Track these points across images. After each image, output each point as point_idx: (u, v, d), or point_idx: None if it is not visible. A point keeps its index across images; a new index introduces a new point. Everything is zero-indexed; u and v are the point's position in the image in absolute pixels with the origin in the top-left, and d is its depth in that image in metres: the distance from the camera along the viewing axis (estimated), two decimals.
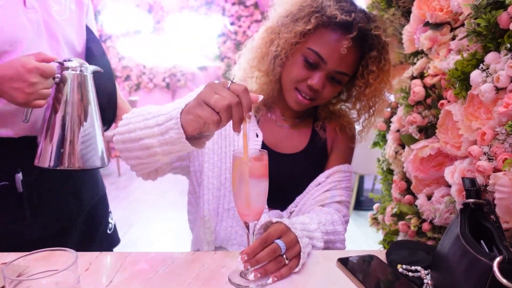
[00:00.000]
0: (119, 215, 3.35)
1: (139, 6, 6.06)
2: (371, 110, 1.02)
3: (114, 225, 1.30)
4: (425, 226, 0.94)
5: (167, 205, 3.86)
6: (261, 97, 0.68)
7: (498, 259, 0.45)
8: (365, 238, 3.03)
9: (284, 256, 0.70)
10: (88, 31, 1.09)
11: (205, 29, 6.04)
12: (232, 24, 6.04)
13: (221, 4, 5.99)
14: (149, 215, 3.61)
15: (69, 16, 1.01)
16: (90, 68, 0.94)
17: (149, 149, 0.77)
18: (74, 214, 1.11)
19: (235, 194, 0.72)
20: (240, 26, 6.01)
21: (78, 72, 0.92)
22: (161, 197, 4.11)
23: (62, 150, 0.91)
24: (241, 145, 0.98)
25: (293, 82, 0.94)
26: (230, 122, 0.67)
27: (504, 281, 0.43)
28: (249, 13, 5.98)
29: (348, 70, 0.92)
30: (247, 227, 0.72)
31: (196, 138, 0.78)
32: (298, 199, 1.00)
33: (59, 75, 0.90)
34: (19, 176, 0.97)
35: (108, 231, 1.24)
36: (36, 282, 0.50)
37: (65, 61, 0.91)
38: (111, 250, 1.30)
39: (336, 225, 0.91)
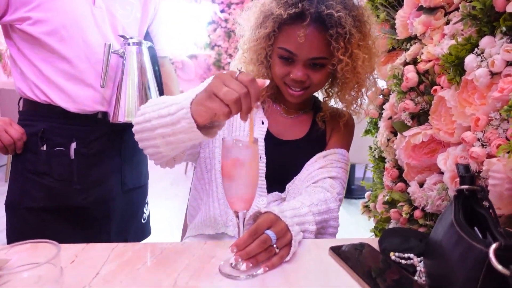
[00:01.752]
0: None
1: None
2: (356, 87, 1.04)
3: (148, 216, 1.44)
4: (417, 213, 0.93)
5: (158, 194, 3.84)
6: (267, 81, 0.70)
7: (494, 245, 0.44)
8: (357, 226, 3.06)
9: (275, 246, 0.69)
10: (148, 37, 1.35)
11: (194, 17, 5.94)
12: (222, 11, 5.94)
13: None
14: None
15: (132, 21, 1.25)
16: (146, 44, 1.23)
17: (164, 138, 0.80)
18: (115, 192, 1.27)
19: (224, 184, 0.70)
20: (230, 14, 5.91)
21: (137, 46, 1.20)
22: (150, 186, 4.07)
23: (129, 107, 1.17)
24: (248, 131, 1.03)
25: (279, 79, 0.99)
26: None
27: (500, 267, 0.42)
28: (239, 0, 5.89)
29: (322, 53, 0.94)
30: (237, 216, 0.70)
31: (207, 127, 0.79)
32: (295, 177, 1.03)
33: (123, 50, 1.18)
34: (74, 145, 1.17)
35: (142, 221, 1.38)
36: (16, 276, 0.48)
37: (128, 38, 1.19)
38: (142, 240, 1.44)
39: (330, 203, 0.93)
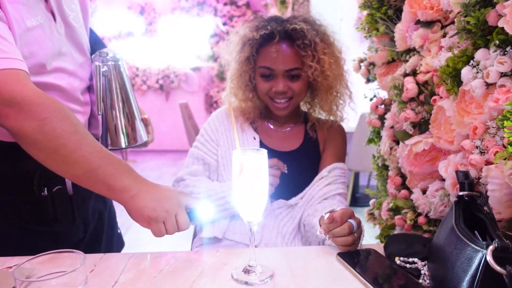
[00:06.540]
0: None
1: (130, 8, 6.04)
2: (329, 91, 1.14)
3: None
4: (421, 219, 0.96)
5: None
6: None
7: (491, 247, 0.47)
8: None
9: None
10: (91, 32, 1.12)
11: (197, 30, 6.03)
12: (224, 24, 6.04)
13: (213, 4, 5.99)
14: None
15: (82, 22, 1.02)
16: (120, 55, 1.05)
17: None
18: (103, 214, 1.17)
19: (236, 193, 0.73)
20: (232, 26, 6.00)
21: (114, 62, 1.02)
22: None
23: (124, 131, 1.06)
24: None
25: (264, 95, 1.13)
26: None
27: (497, 268, 0.45)
28: (241, 13, 5.98)
29: (295, 64, 1.08)
30: (249, 226, 0.73)
31: None
32: (305, 190, 1.13)
33: (107, 69, 1.00)
34: None
35: (118, 231, 1.30)
36: (45, 283, 0.51)
37: (104, 55, 1.01)
38: (120, 251, 1.33)
39: None
